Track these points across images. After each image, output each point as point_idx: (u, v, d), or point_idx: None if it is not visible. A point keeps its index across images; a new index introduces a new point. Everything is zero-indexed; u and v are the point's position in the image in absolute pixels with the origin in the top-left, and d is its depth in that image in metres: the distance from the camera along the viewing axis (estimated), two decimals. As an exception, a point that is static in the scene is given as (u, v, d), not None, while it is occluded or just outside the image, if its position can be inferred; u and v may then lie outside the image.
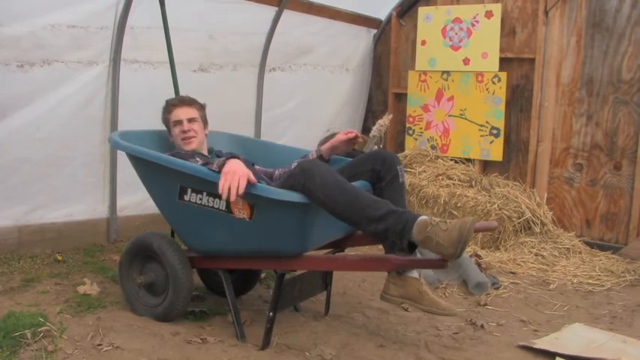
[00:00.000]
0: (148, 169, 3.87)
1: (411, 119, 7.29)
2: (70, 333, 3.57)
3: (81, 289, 4.29)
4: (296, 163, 3.88)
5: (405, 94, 7.36)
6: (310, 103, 7.05)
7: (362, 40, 7.60)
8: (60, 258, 4.92)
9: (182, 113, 4.21)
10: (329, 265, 3.75)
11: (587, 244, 6.13)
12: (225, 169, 3.39)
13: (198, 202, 3.62)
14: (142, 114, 5.16)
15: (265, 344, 3.60)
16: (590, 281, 5.27)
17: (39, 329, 3.49)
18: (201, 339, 3.64)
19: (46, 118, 4.88)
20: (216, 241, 3.69)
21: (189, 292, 3.87)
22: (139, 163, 3.90)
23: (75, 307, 4.00)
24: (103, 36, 5.10)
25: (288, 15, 6.43)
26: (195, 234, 3.78)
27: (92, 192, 5.34)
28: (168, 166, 3.66)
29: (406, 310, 4.41)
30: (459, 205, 6.15)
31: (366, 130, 7.50)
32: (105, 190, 5.41)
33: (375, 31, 7.68)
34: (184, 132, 4.15)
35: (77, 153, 5.14)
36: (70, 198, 5.18)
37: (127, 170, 5.23)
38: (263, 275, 4.79)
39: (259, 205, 3.42)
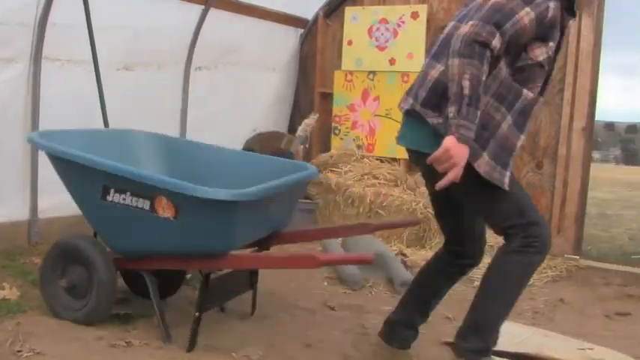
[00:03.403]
0: (69, 170, 3.78)
1: (337, 119, 7.32)
2: (-12, 339, 3.47)
3: None
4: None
5: (331, 94, 7.38)
6: (237, 102, 7.01)
7: (289, 39, 7.59)
8: (-22, 261, 4.78)
9: None
10: (255, 263, 3.73)
11: (511, 241, 6.23)
12: (453, 150, 2.81)
13: (122, 201, 3.56)
14: (64, 113, 5.06)
15: (192, 345, 3.55)
16: (513, 278, 5.35)
17: (-45, 335, 3.38)
18: (126, 342, 3.58)
19: (-35, 117, 4.75)
20: (142, 241, 3.63)
21: (113, 295, 3.80)
22: (61, 163, 3.81)
23: (-7, 313, 3.89)
24: (24, 33, 4.96)
25: (214, 14, 6.39)
26: (120, 235, 3.71)
27: (13, 193, 5.19)
28: (91, 166, 3.59)
29: (333, 309, 4.42)
30: (384, 204, 6.20)
31: (292, 129, 7.49)
32: (26, 192, 5.27)
33: (302, 30, 7.68)
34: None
35: (-3, 153, 5.00)
36: (-9, 199, 5.04)
37: (48, 171, 5.14)
38: (189, 276, 4.74)
39: (184, 203, 3.38)
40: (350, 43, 7.21)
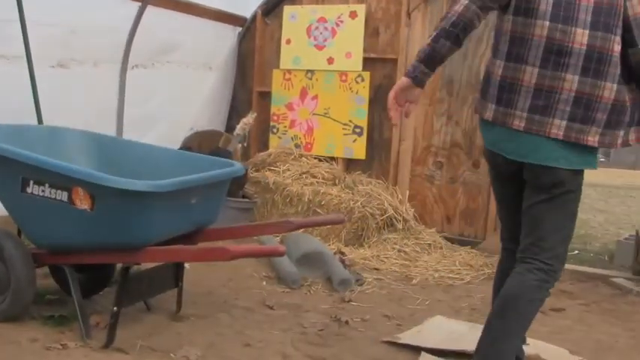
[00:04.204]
0: None
1: (275, 118, 7.30)
2: None
3: None
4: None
5: (270, 93, 7.36)
6: (174, 101, 6.93)
7: (227, 38, 7.54)
8: None
9: None
10: (170, 256, 3.69)
11: (448, 239, 6.31)
12: None
13: (41, 193, 3.54)
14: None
15: (109, 341, 3.51)
16: (450, 275, 5.43)
17: None
18: (62, 345, 3.50)
19: None
20: (61, 234, 3.60)
21: (31, 289, 3.75)
22: None
23: None
24: (-48, 27, 4.85)
25: (152, 11, 6.29)
26: (40, 228, 3.68)
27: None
28: (7, 157, 3.56)
29: (271, 308, 4.41)
30: (322, 203, 6.20)
31: (230, 128, 7.43)
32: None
33: (241, 29, 7.64)
34: None
35: None
36: None
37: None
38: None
39: (99, 195, 3.38)
40: (288, 42, 7.20)
